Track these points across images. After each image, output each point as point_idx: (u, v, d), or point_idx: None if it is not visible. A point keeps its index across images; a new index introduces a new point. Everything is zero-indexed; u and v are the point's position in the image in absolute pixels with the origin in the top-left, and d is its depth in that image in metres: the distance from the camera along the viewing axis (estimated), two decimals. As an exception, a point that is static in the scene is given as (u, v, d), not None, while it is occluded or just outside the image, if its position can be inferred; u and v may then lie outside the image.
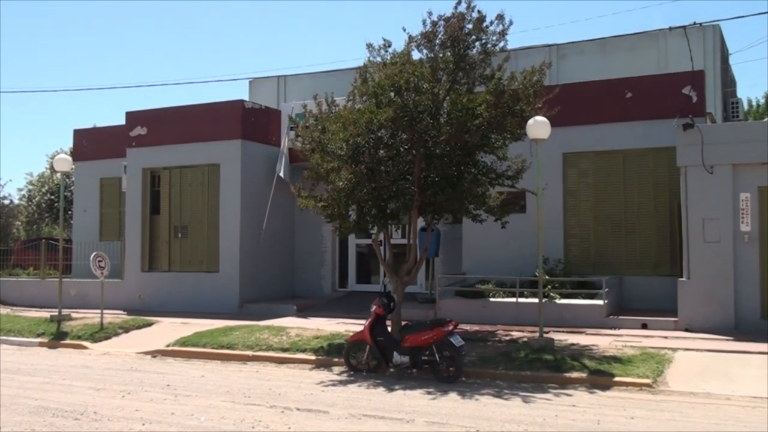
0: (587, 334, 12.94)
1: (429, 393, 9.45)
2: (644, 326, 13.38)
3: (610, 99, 15.53)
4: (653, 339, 12.26)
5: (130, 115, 19.56)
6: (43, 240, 22.05)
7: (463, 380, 10.21)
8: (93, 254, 16.02)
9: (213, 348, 13.03)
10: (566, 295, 14.21)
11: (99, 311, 15.85)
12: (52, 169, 30.99)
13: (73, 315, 16.78)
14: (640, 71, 17.34)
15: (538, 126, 11.65)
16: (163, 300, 18.36)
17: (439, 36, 11.75)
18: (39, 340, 15.14)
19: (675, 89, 14.73)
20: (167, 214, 18.97)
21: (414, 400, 9.04)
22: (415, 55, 12.05)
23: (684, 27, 15.06)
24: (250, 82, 24.01)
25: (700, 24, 15.71)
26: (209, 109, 18.57)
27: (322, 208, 12.40)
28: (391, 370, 10.80)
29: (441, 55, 11.80)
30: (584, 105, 15.59)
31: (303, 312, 16.82)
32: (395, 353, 10.59)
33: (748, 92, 56.11)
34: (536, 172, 11.92)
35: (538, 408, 8.51)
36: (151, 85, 76.47)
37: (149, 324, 15.75)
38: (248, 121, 18.29)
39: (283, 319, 15.72)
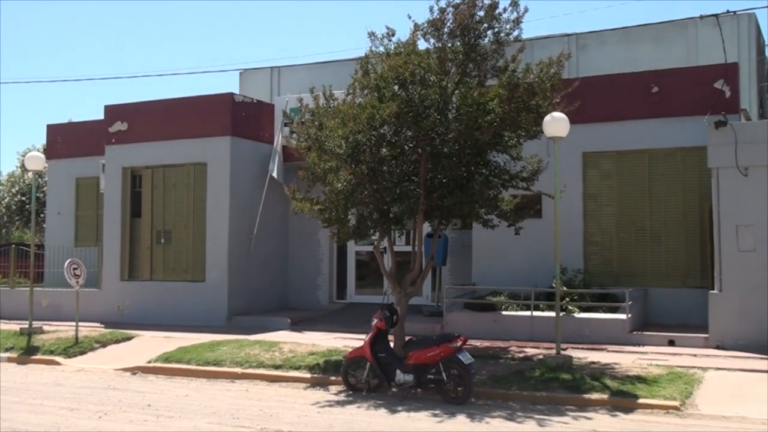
0: (609, 351, 12.92)
1: (435, 415, 9.43)
2: (671, 343, 13.35)
3: (634, 94, 15.53)
4: (681, 357, 12.23)
5: (109, 110, 19.59)
6: (13, 245, 22.02)
7: (473, 401, 10.19)
8: (67, 261, 16.03)
9: (198, 365, 13.02)
10: (586, 309, 14.19)
11: (74, 324, 15.85)
12: (23, 167, 31.00)
13: (45, 328, 16.80)
14: (667, 63, 17.35)
15: (556, 123, 11.65)
16: (144, 312, 18.36)
17: (448, 24, 11.76)
18: (7, 355, 15.14)
19: (706, 83, 14.72)
20: (149, 218, 18.99)
21: (419, 423, 9.01)
22: (422, 45, 12.09)
23: (716, 15, 15.08)
24: (240, 73, 24.09)
25: (734, 12, 15.73)
26: (196, 103, 18.59)
27: (318, 212, 12.40)
28: (394, 389, 10.79)
29: (449, 44, 11.80)
30: (606, 100, 15.59)
31: (297, 325, 16.81)
32: (398, 371, 10.58)
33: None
34: (553, 173, 11.92)
35: (555, 432, 8.49)
36: (132, 77, 76.78)
37: (129, 338, 15.75)
38: (238, 116, 18.31)
39: (276, 333, 15.72)
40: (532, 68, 11.89)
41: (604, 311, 14.14)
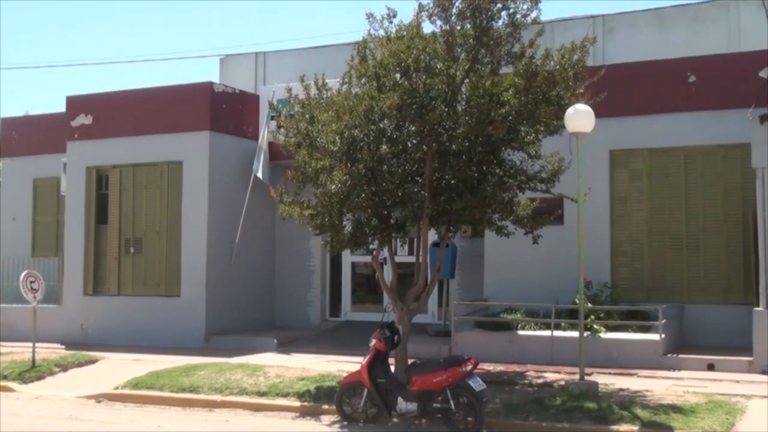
0: (639, 376, 12.93)
1: (442, 449, 9.42)
2: (711, 367, 13.34)
3: (668, 83, 15.54)
4: (722, 383, 12.23)
5: (71, 101, 19.62)
6: (-38, 255, 22.02)
7: (485, 433, 10.18)
8: (23, 273, 16.02)
9: (172, 391, 13.01)
10: (613, 328, 14.18)
11: (30, 344, 15.82)
12: (-27, 167, 30.99)
13: (-1, 349, 16.79)
14: (706, 49, 17.34)
15: (580, 116, 11.65)
16: (110, 331, 18.35)
17: (457, 4, 11.77)
18: (-46, 380, 15.12)
19: (750, 72, 14.70)
20: (117, 224, 18.99)
21: (423, 458, 9.00)
22: (427, 28, 12.09)
23: (761, -5, 15.07)
24: (221, 59, 24.11)
25: (781, -9, 15.72)
26: (170, 94, 18.62)
27: (309, 218, 12.41)
28: (395, 419, 10.78)
29: (458, 27, 11.82)
30: (637, 91, 15.61)
31: (285, 347, 16.81)
32: (400, 399, 10.57)
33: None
34: (577, 173, 11.92)
35: (579, 469, 8.48)
36: (98, 64, 76.64)
37: (93, 361, 15.73)
38: (218, 109, 18.33)
39: (261, 356, 15.73)
40: (553, 54, 11.90)
41: (635, 331, 14.13)
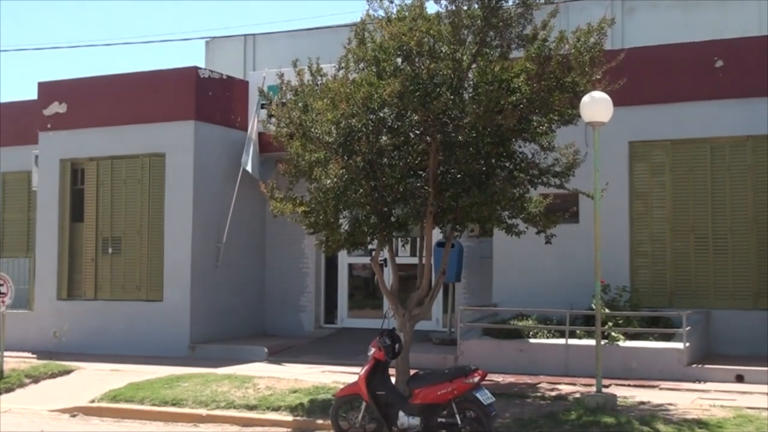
0: (662, 388, 12.93)
1: (446, 468, 9.40)
2: (739, 379, 13.33)
3: (693, 69, 15.54)
4: (752, 396, 12.20)
5: (44, 88, 19.58)
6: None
7: (493, 450, 10.17)
8: (-9, 276, 16.00)
9: (154, 405, 13.00)
10: (633, 336, 14.18)
11: (-1, 353, 15.83)
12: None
13: (-36, 358, 16.75)
14: (734, 32, 17.30)
15: (596, 104, 11.65)
16: (87, 339, 18.33)
17: (463, -19, 11.75)
18: None
19: (782, 56, 14.72)
20: (94, 222, 18.96)
21: (426, 478, 8.98)
22: (431, 8, 12.09)
23: (795, -29, 15.05)
24: (207, 42, 24.06)
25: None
26: (152, 80, 18.60)
27: (303, 215, 12.40)
28: (396, 435, 10.75)
29: (465, 7, 11.78)
30: (659, 77, 15.60)
31: (276, 356, 16.84)
32: (401, 413, 10.55)
33: None
34: (593, 167, 11.90)
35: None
36: (73, 47, 76.63)
37: (67, 371, 15.73)
38: (204, 96, 18.31)
39: (250, 366, 15.75)
40: (568, 37, 11.88)
41: (656, 339, 14.12)
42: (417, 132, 11.72)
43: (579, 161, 12.27)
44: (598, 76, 11.93)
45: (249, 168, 18.15)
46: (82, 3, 77.24)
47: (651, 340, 14.09)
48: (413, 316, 12.34)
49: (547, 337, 14.75)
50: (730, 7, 19.08)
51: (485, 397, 10.18)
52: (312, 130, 11.88)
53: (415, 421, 10.41)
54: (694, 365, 13.75)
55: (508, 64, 11.81)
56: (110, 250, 18.78)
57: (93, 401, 13.48)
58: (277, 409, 12.29)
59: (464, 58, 11.64)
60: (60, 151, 19.17)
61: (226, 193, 18.37)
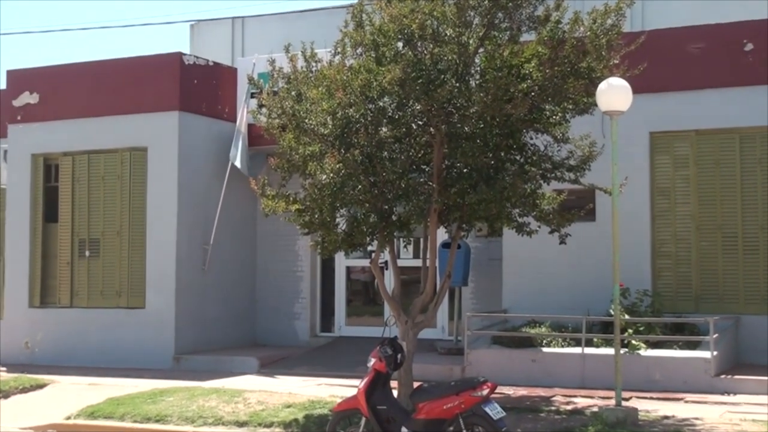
0: (687, 401, 12.92)
1: (453, 488, 9.39)
2: (772, 389, 13.30)
3: (720, 53, 15.51)
4: (786, 409, 12.19)
5: (13, 76, 19.60)
6: None
7: (504, 469, 10.13)
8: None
9: (135, 421, 13.00)
10: (656, 344, 14.19)
11: (-35, 365, 15.84)
12: None
13: (-72, 372, 16.78)
14: (765, 12, 17.27)
15: (614, 92, 11.64)
16: (61, 350, 18.34)
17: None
18: None
19: (817, 39, 14.71)
20: (69, 222, 18.96)
21: (431, 500, 8.96)
22: (434, -12, 12.03)
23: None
24: (192, 26, 24.05)
25: None
26: (132, 67, 18.59)
27: (296, 214, 12.40)
28: (398, 453, 10.74)
29: (471, -13, 11.76)
30: (682, 62, 15.59)
31: (268, 368, 16.85)
32: (404, 429, 10.52)
33: None
34: (611, 160, 11.89)
35: None
36: (46, 31, 76.50)
37: (41, 385, 15.72)
38: (189, 84, 18.31)
39: (240, 379, 15.76)
40: (583, 18, 11.84)
41: (681, 347, 14.12)
42: (420, 123, 11.72)
43: (595, 154, 12.28)
44: (616, 61, 11.92)
45: (238, 163, 18.13)
46: (57, -15, 77.29)
47: (675, 349, 14.08)
48: (417, 324, 12.32)
49: (562, 346, 14.73)
50: (760, -15, 19.06)
51: (495, 411, 10.13)
52: (306, 121, 11.87)
53: (419, 437, 10.41)
54: (722, 376, 13.73)
55: (518, 49, 11.80)
56: (87, 253, 18.76)
57: (69, 418, 13.47)
58: (269, 425, 12.29)
59: (471, 41, 11.61)
60: (31, 145, 19.16)
61: (213, 190, 18.38)
